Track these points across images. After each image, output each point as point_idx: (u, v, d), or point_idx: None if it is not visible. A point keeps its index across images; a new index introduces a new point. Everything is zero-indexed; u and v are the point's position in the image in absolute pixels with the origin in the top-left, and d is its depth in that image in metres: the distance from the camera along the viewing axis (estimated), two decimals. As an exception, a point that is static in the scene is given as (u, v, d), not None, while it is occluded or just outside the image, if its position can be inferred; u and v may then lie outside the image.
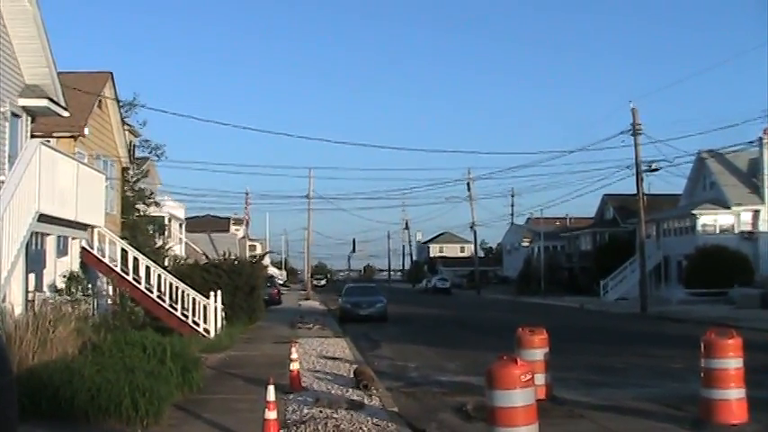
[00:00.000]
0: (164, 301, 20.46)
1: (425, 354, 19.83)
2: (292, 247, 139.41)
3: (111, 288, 20.69)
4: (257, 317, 28.46)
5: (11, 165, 15.67)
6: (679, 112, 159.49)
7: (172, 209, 44.94)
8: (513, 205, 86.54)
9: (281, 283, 76.81)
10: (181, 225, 48.48)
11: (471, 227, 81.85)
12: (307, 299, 58.67)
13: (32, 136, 18.25)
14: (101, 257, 19.83)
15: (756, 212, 50.26)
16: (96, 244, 19.97)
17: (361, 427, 9.64)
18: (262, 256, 37.62)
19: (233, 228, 76.41)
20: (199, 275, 25.10)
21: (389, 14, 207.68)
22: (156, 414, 9.65)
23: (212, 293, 21.30)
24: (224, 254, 30.39)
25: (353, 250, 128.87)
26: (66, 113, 19.23)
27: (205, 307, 21.01)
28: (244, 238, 72.87)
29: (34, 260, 16.32)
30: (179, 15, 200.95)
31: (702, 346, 9.97)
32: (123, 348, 12.41)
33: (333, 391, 12.72)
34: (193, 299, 21.03)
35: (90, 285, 18.25)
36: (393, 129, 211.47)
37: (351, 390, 12.75)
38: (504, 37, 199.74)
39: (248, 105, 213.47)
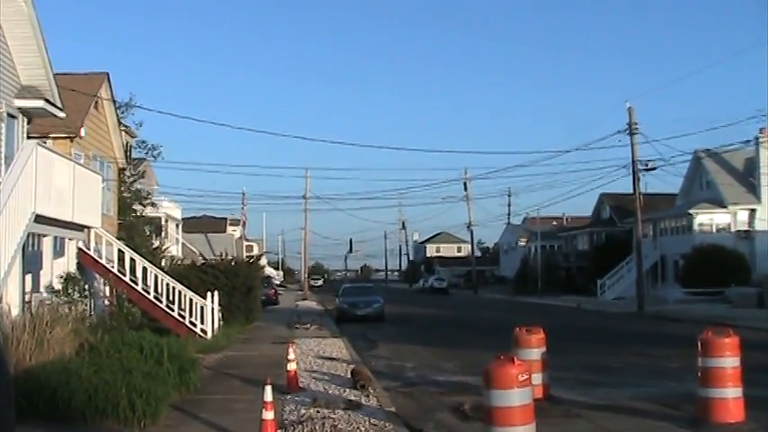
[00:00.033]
0: (161, 301, 20.44)
1: (422, 353, 19.84)
2: (289, 248, 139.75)
3: (107, 289, 20.68)
4: (254, 317, 28.47)
5: (7, 166, 15.64)
6: (676, 112, 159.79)
7: (168, 209, 44.90)
8: (509, 205, 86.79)
9: (278, 283, 76.78)
10: (177, 226, 48.44)
11: (468, 227, 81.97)
12: (304, 299, 58.64)
13: (29, 137, 18.22)
14: (97, 258, 19.81)
15: (753, 212, 50.36)
16: (93, 245, 19.95)
17: (358, 428, 9.65)
18: (259, 257, 37.67)
19: (230, 228, 76.36)
20: (196, 276, 25.09)
21: (389, 14, 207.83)
22: (154, 415, 9.65)
23: (209, 294, 21.30)
24: (221, 254, 30.42)
25: (350, 250, 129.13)
26: (62, 114, 19.21)
27: (202, 307, 21.01)
28: (240, 238, 72.82)
29: (31, 261, 16.29)
30: (176, 16, 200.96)
31: (699, 345, 9.98)
32: (120, 349, 12.41)
33: (330, 392, 12.72)
34: (190, 299, 21.03)
35: (87, 286, 18.23)
36: (391, 129, 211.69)
37: (348, 390, 12.76)
38: (503, 37, 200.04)
39: (246, 106, 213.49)
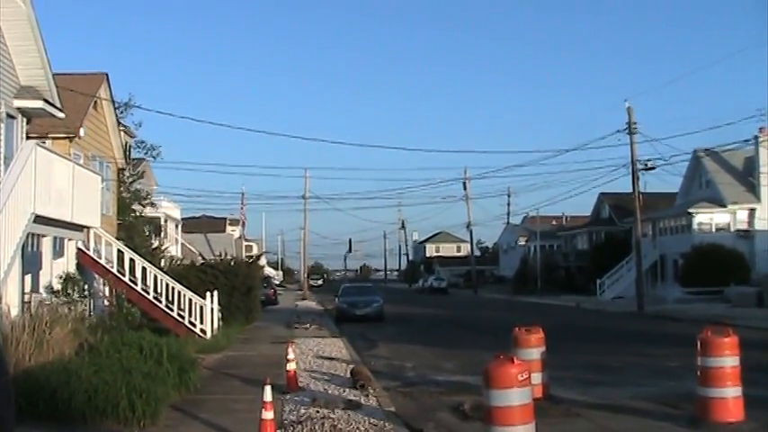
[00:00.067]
0: (160, 301, 20.44)
1: (422, 353, 19.85)
2: (289, 248, 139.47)
3: (107, 289, 20.68)
4: (254, 317, 28.46)
5: (6, 166, 15.64)
6: (675, 111, 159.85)
7: (168, 210, 44.88)
8: (509, 204, 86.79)
9: (278, 283, 76.77)
10: (177, 226, 48.43)
11: (468, 226, 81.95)
12: (303, 299, 58.67)
13: (28, 137, 18.22)
14: (97, 259, 19.80)
15: (752, 211, 50.37)
16: (92, 245, 19.95)
17: (357, 427, 9.65)
18: (258, 257, 37.67)
19: (229, 228, 76.36)
20: (195, 276, 25.08)
21: (389, 14, 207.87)
22: (153, 415, 9.66)
23: (209, 294, 21.30)
24: (220, 254, 30.42)
25: (350, 250, 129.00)
26: (61, 115, 19.20)
27: (202, 308, 21.01)
28: (240, 238, 72.83)
29: (30, 262, 16.29)
30: (176, 16, 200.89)
31: (699, 344, 9.98)
32: (120, 349, 12.42)
33: (330, 391, 12.72)
34: (190, 299, 21.03)
35: (86, 286, 18.23)
36: (391, 129, 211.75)
37: (348, 390, 12.76)
38: (503, 37, 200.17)
39: (246, 106, 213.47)
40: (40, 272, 17.21)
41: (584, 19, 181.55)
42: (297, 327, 27.96)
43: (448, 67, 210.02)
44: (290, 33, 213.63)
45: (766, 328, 25.17)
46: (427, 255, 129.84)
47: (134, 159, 35.06)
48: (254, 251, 59.15)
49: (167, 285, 20.92)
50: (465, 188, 77.67)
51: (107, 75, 26.60)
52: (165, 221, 42.72)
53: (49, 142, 20.45)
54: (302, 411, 10.65)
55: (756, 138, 46.75)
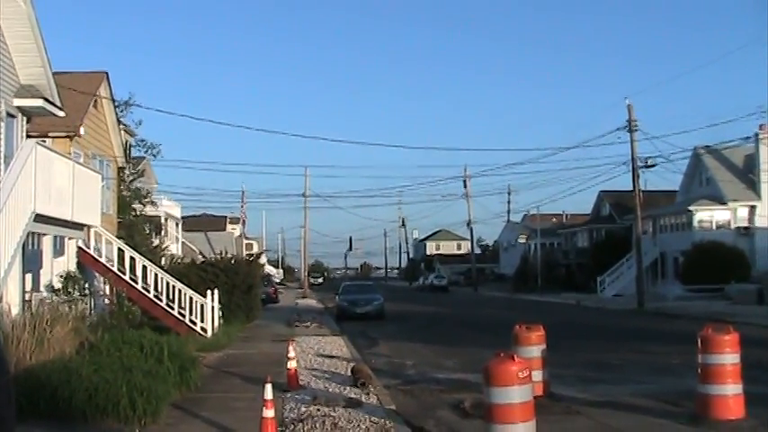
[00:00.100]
0: (161, 300, 20.44)
1: (422, 351, 19.85)
2: (289, 246, 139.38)
3: (108, 288, 20.68)
4: (254, 315, 28.46)
5: (6, 165, 15.63)
6: (675, 109, 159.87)
7: (168, 208, 44.90)
8: (509, 202, 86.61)
9: (278, 281, 76.83)
10: (177, 224, 48.44)
11: (468, 224, 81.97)
12: (304, 297, 58.65)
13: (28, 136, 18.22)
14: (97, 257, 19.81)
15: (753, 208, 50.34)
16: (93, 244, 19.95)
17: (358, 425, 9.65)
18: (258, 255, 37.64)
19: (229, 226, 76.37)
20: (195, 274, 25.08)
21: (389, 14, 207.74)
22: (154, 413, 9.66)
23: (209, 292, 21.29)
24: (221, 253, 30.40)
25: (350, 248, 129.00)
26: (61, 113, 19.19)
27: (202, 306, 21.00)
28: (240, 236, 72.80)
29: (31, 260, 16.30)
30: (176, 16, 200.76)
31: (699, 341, 9.99)
32: (121, 348, 12.42)
33: (330, 389, 12.73)
34: (190, 298, 21.02)
35: (87, 285, 18.24)
36: (391, 128, 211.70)
37: (348, 388, 12.76)
38: (503, 37, 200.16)
39: (246, 105, 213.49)
40: (41, 270, 17.22)
41: (584, 19, 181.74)
42: (297, 325, 27.96)
43: (448, 67, 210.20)
44: (290, 33, 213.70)
45: (767, 325, 25.17)
46: (428, 253, 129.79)
47: (134, 158, 35.07)
48: (255, 249, 59.17)
49: (168, 284, 20.92)
50: (465, 186, 77.80)
51: (107, 73, 26.63)
52: (166, 220, 42.73)
53: (49, 141, 20.46)
54: (303, 409, 10.66)
55: (756, 135, 46.76)
